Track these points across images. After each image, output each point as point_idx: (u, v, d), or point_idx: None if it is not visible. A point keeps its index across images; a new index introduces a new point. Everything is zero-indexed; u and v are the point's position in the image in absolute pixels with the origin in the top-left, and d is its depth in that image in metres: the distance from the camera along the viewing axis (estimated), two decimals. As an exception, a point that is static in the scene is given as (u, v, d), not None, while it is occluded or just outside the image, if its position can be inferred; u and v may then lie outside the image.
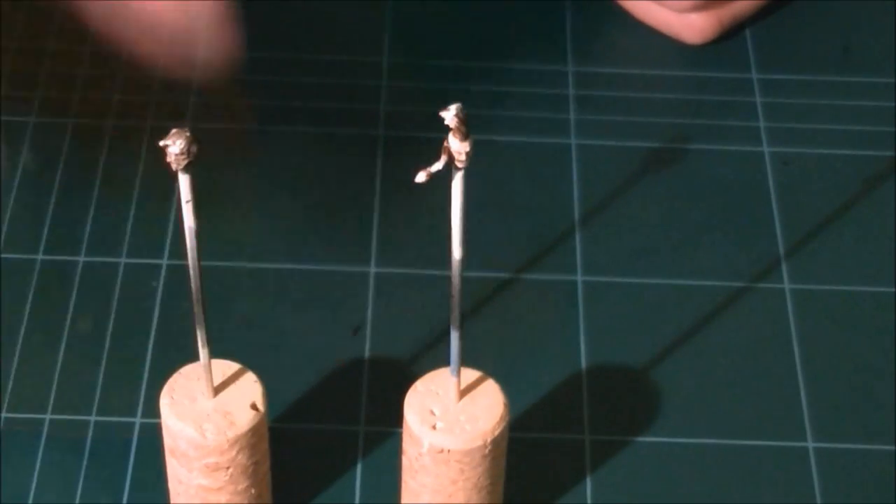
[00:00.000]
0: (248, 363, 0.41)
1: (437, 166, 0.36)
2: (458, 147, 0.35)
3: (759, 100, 0.55)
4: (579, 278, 0.50)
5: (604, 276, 0.50)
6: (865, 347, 0.48)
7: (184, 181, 0.35)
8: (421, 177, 0.35)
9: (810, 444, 0.46)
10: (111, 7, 0.49)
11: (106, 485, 0.44)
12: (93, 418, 0.46)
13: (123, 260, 0.50)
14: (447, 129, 0.35)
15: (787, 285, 0.50)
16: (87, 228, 0.50)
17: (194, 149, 0.35)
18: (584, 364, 0.47)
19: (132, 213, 0.51)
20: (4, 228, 0.50)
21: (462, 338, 0.39)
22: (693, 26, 0.56)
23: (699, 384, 0.47)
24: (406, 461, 0.41)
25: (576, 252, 0.50)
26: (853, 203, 0.52)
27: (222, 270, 0.49)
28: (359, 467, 0.45)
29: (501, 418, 0.40)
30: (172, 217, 0.51)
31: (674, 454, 0.45)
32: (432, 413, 0.39)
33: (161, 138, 0.35)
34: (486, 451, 0.39)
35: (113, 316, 0.48)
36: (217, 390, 0.40)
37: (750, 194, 0.52)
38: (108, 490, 0.44)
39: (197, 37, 0.50)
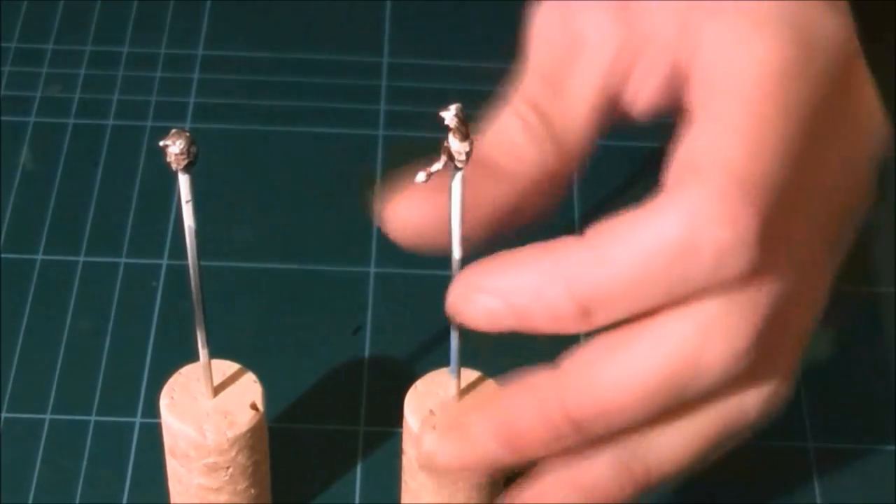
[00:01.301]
0: (248, 363, 0.41)
1: (437, 166, 0.35)
2: (458, 147, 0.35)
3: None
4: (579, 278, 0.49)
5: (604, 276, 0.50)
6: (865, 347, 0.48)
7: (184, 181, 0.35)
8: (421, 177, 0.35)
9: (810, 444, 0.46)
10: None
11: (106, 485, 0.44)
12: (93, 418, 0.46)
13: (123, 260, 0.50)
14: (447, 129, 0.35)
15: (787, 285, 0.50)
16: (87, 228, 0.50)
17: (194, 149, 0.35)
18: (584, 364, 0.47)
19: (132, 213, 0.51)
20: (4, 228, 0.50)
21: (462, 337, 0.39)
22: None
23: (699, 384, 0.47)
24: (406, 461, 0.41)
25: (576, 252, 0.50)
26: (853, 203, 0.52)
27: (222, 270, 0.49)
28: (359, 467, 0.45)
29: None
30: (172, 217, 0.51)
31: (674, 454, 0.45)
32: (432, 413, 0.39)
33: (161, 138, 0.35)
34: None
35: (113, 316, 0.48)
36: (217, 390, 0.40)
37: (750, 194, 0.52)
38: (108, 490, 0.44)
39: None
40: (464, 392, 0.40)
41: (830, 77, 0.37)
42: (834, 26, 0.38)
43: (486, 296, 0.36)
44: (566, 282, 0.35)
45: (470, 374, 0.40)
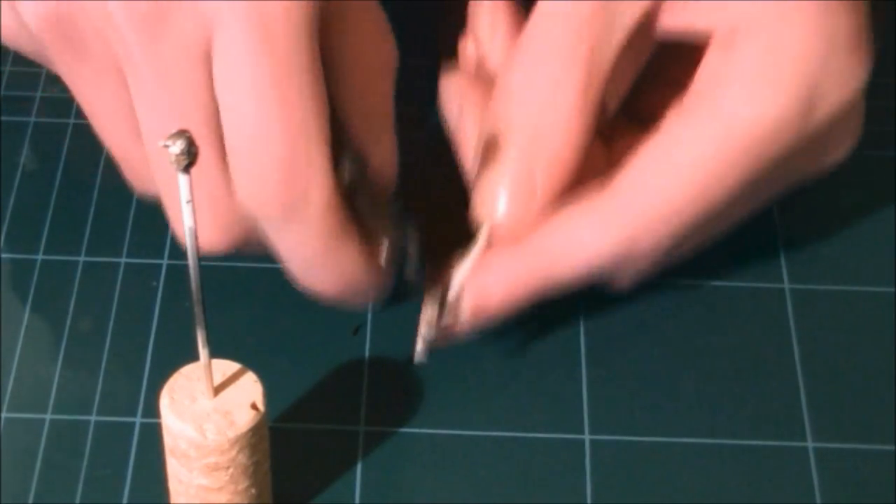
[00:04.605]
0: (248, 363, 0.41)
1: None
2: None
3: (759, 100, 0.55)
4: (579, 278, 0.50)
5: (604, 276, 0.50)
6: (865, 347, 0.48)
7: (184, 181, 0.35)
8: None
9: (810, 444, 0.46)
10: None
11: (106, 485, 0.44)
12: (93, 418, 0.46)
13: (123, 260, 0.50)
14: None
15: (787, 285, 0.50)
16: (87, 228, 0.50)
17: (194, 149, 0.35)
18: (584, 364, 0.47)
19: (132, 213, 0.51)
20: (4, 228, 0.50)
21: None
22: None
23: (699, 384, 0.47)
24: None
25: (576, 252, 0.50)
26: (853, 203, 0.52)
27: (222, 270, 0.49)
28: (359, 467, 0.45)
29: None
30: (172, 217, 0.51)
31: (674, 454, 0.45)
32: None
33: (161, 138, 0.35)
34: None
35: (113, 316, 0.48)
36: (217, 390, 0.40)
37: (750, 194, 0.52)
38: (108, 490, 0.44)
39: None
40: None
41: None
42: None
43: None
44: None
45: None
